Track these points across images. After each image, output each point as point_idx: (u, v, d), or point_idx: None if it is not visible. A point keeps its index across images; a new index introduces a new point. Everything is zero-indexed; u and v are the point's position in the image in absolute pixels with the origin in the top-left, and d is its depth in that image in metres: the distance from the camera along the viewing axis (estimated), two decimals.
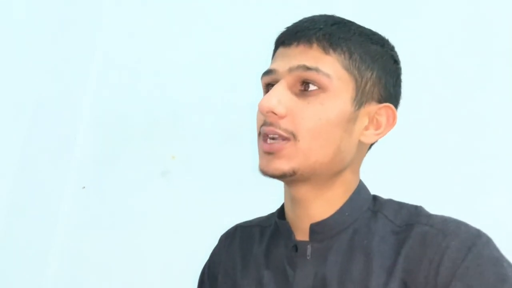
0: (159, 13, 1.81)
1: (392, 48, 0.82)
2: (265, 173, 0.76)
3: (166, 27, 1.79)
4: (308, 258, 0.78)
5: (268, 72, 0.79)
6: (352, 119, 0.76)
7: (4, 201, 1.69)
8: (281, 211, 0.86)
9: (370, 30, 0.81)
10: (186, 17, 1.77)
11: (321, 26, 0.77)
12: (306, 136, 0.74)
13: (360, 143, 0.79)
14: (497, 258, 0.71)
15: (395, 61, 0.82)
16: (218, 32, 1.71)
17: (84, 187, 1.73)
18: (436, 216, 0.77)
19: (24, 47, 1.79)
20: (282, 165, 0.74)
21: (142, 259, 1.61)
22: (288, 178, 0.76)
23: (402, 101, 0.84)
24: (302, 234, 0.80)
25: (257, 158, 0.78)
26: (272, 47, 0.83)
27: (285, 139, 0.75)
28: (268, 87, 0.80)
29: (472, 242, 0.71)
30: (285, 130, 0.74)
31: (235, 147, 1.60)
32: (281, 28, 0.81)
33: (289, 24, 0.81)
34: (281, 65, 0.77)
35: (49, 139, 1.75)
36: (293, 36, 0.78)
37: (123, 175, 1.70)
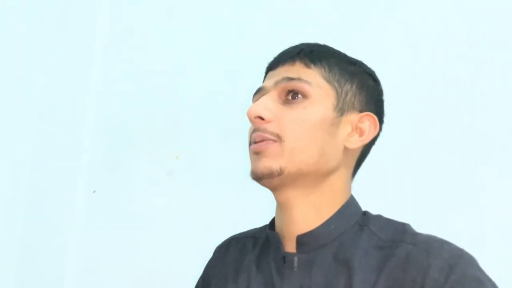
0: (156, 13, 1.83)
1: (370, 70, 0.88)
2: (255, 173, 0.80)
3: (165, 27, 1.80)
4: (295, 269, 0.80)
5: (257, 91, 0.87)
6: (334, 124, 0.81)
7: (19, 210, 1.73)
8: (272, 222, 0.88)
9: (349, 56, 0.88)
10: (184, 16, 1.78)
11: (303, 48, 0.85)
12: (291, 136, 0.79)
13: (346, 149, 0.82)
14: (480, 278, 0.71)
15: (375, 80, 0.88)
16: (218, 30, 1.73)
17: (94, 191, 1.77)
18: (421, 234, 0.78)
19: (26, 55, 1.82)
20: (270, 163, 0.78)
21: (153, 258, 1.65)
22: (276, 179, 0.79)
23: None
24: (290, 245, 0.82)
25: None
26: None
27: (271, 141, 0.79)
28: None
29: (455, 262, 0.72)
30: (271, 133, 0.80)
31: (238, 144, 1.62)
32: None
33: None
34: (268, 82, 0.85)
35: (56, 147, 1.79)
36: (278, 59, 0.86)
37: (130, 177, 1.74)
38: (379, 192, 1.31)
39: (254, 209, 1.32)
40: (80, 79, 1.85)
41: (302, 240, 0.81)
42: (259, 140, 0.80)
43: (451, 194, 1.37)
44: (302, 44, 0.87)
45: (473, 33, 1.44)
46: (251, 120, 0.82)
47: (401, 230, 0.79)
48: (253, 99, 0.87)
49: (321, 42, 0.89)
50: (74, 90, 1.84)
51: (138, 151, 1.75)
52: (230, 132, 1.63)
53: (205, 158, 1.66)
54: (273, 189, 0.83)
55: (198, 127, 1.70)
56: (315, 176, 0.80)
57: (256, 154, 0.80)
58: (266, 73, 0.89)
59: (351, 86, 0.83)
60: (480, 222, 1.33)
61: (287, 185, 0.80)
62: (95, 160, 1.79)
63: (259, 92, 0.86)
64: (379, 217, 0.84)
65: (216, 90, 1.70)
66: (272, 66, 0.87)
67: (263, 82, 0.89)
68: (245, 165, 1.63)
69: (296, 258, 0.80)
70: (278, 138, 0.79)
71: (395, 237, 0.78)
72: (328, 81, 0.82)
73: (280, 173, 0.78)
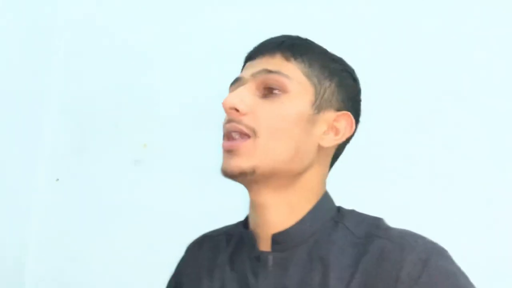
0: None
1: (350, 68, 0.88)
2: (225, 172, 0.79)
3: (133, 12, 1.75)
4: (270, 268, 0.80)
5: (234, 81, 0.85)
6: (310, 121, 0.80)
7: None
8: (246, 220, 0.87)
9: (330, 52, 0.86)
10: (153, 1, 1.73)
11: (284, 40, 0.84)
12: (265, 133, 0.77)
13: (320, 147, 0.82)
14: (452, 271, 0.73)
15: (354, 79, 0.87)
16: (187, 17, 1.69)
17: (57, 180, 1.72)
18: (394, 229, 0.79)
19: None
20: (242, 162, 0.77)
21: (118, 250, 1.62)
22: (248, 178, 0.78)
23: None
24: (264, 244, 0.82)
25: None
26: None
27: (245, 136, 0.78)
28: None
29: (428, 256, 0.73)
30: (246, 126, 0.78)
31: (207, 132, 1.59)
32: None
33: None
34: (246, 73, 0.83)
35: (16, 132, 1.71)
36: (258, 50, 0.85)
37: (95, 166, 1.69)
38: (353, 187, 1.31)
39: (226, 201, 1.31)
40: (42, 61, 1.77)
41: (277, 239, 0.80)
42: (232, 130, 0.79)
43: (429, 189, 1.37)
44: (283, 36, 0.85)
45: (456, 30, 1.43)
46: (226, 111, 0.80)
47: (374, 225, 0.80)
48: (229, 89, 0.85)
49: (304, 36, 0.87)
50: (36, 72, 1.77)
51: (104, 138, 1.71)
52: (201, 120, 1.60)
53: (174, 147, 1.63)
54: (246, 186, 0.82)
55: (167, 114, 1.66)
56: (289, 175, 0.80)
57: (228, 152, 0.79)
58: (245, 62, 0.87)
59: (330, 84, 0.83)
60: (454, 216, 1.34)
61: (260, 183, 0.79)
62: (58, 146, 1.73)
63: (237, 82, 0.84)
64: (352, 212, 0.84)
65: (187, 76, 1.66)
66: (251, 56, 0.85)
67: (241, 71, 0.87)
68: (217, 155, 1.60)
69: (271, 257, 0.80)
70: (253, 133, 0.78)
71: (368, 232, 0.79)
72: (308, 77, 0.81)
73: (252, 173, 0.77)
